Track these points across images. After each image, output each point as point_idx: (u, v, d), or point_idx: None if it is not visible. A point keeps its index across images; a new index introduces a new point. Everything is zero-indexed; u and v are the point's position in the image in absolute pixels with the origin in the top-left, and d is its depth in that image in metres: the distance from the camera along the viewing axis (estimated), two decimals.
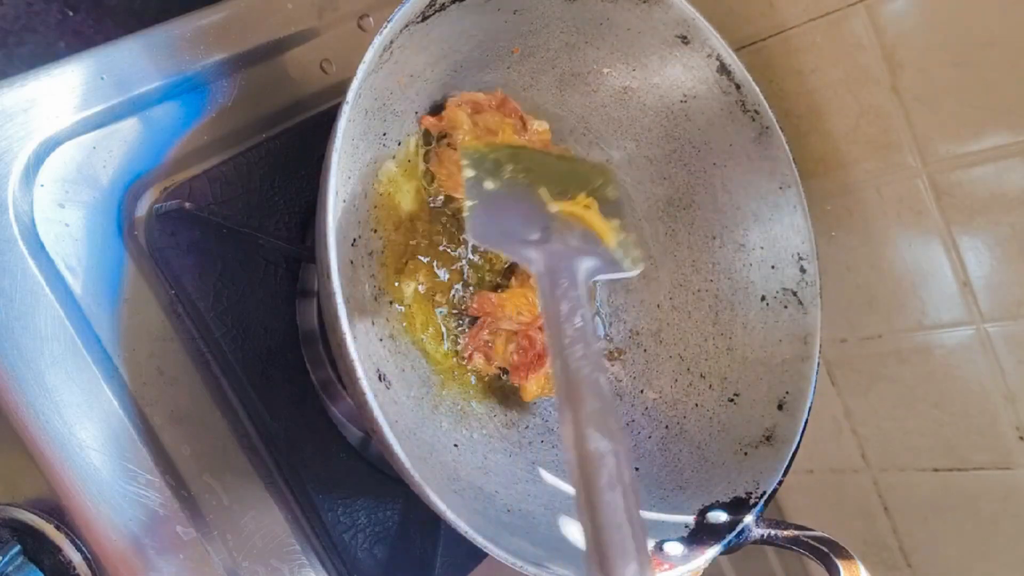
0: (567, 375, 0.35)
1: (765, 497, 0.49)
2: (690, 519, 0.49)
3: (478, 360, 0.51)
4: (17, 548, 0.41)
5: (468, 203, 0.42)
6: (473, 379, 0.53)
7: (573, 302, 0.38)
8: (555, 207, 0.44)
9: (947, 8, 0.53)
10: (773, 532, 0.48)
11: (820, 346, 0.54)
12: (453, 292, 0.52)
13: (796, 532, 0.47)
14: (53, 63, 0.44)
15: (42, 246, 0.42)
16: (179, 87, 0.47)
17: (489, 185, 0.44)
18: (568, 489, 0.51)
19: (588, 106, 0.57)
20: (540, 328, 0.52)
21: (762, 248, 0.57)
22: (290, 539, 0.47)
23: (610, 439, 0.33)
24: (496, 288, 0.54)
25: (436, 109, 0.51)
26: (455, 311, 0.52)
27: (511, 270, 0.54)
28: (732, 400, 0.55)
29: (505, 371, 0.53)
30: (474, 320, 0.52)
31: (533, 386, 0.53)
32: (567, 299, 0.39)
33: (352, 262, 0.46)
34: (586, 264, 0.42)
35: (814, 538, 0.47)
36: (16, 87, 0.42)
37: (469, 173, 0.44)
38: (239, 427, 0.47)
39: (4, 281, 0.40)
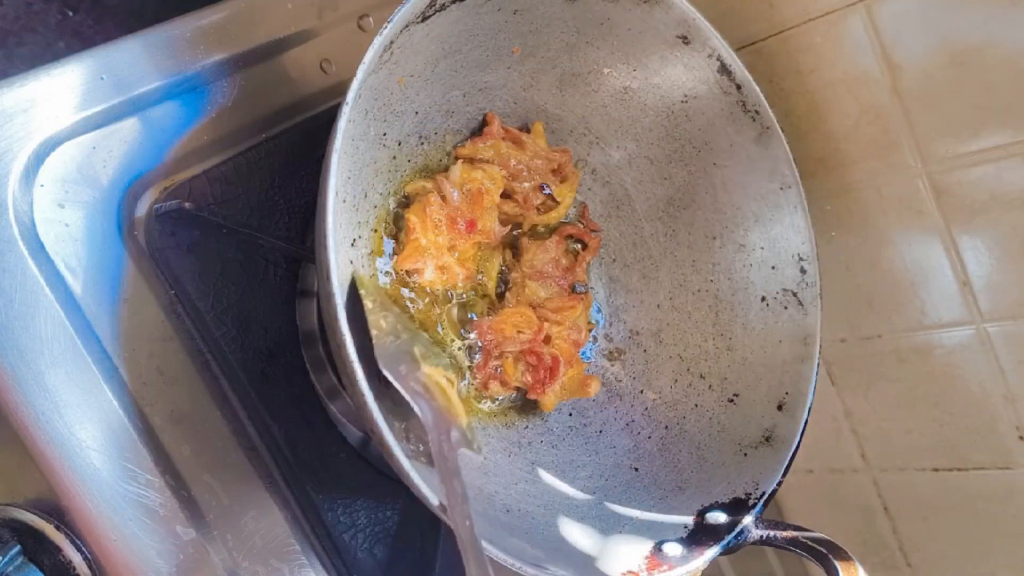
0: (461, 530, 0.37)
1: (764, 498, 0.49)
2: (689, 520, 0.49)
3: (495, 387, 0.52)
4: (17, 548, 0.41)
5: (372, 332, 0.43)
6: (487, 405, 0.53)
7: (454, 462, 0.40)
8: (426, 369, 0.46)
9: (947, 8, 0.53)
10: (772, 533, 0.48)
11: (820, 346, 0.54)
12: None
13: (795, 533, 0.47)
14: (53, 63, 0.44)
15: (42, 246, 0.42)
16: (179, 87, 0.47)
17: (383, 323, 0.45)
18: (566, 489, 0.51)
19: (588, 106, 0.57)
20: (546, 340, 0.53)
21: (762, 248, 0.57)
22: (290, 539, 0.47)
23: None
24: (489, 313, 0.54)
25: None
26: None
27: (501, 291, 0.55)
28: (732, 400, 0.55)
29: (521, 390, 0.54)
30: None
31: (551, 397, 0.53)
32: (451, 457, 0.40)
33: (352, 262, 0.46)
34: (454, 433, 0.43)
35: (813, 539, 0.47)
36: (16, 87, 0.42)
37: (368, 304, 0.44)
38: (239, 427, 0.47)
39: (4, 281, 0.40)
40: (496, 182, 0.51)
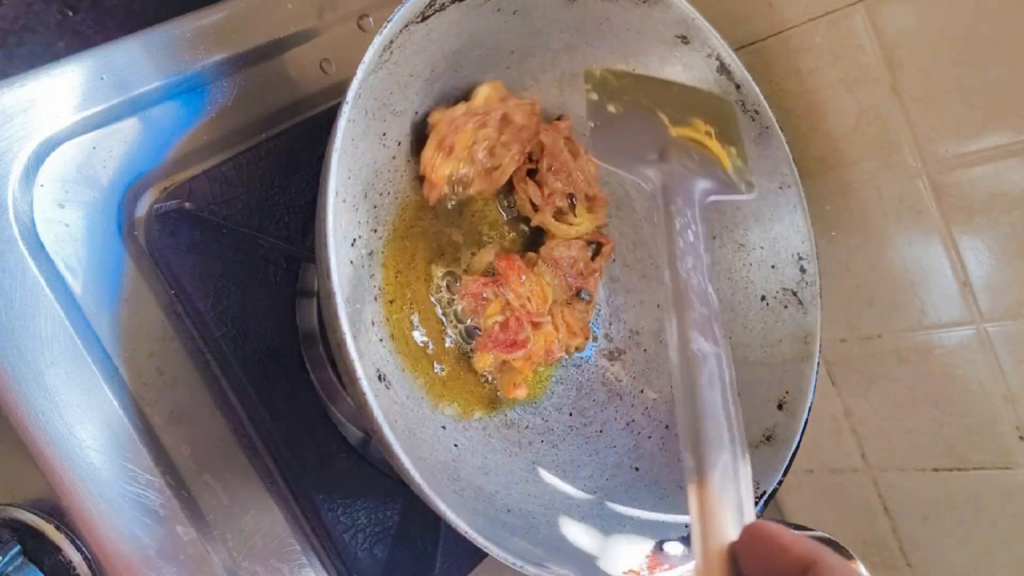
0: (677, 282, 0.37)
1: (765, 497, 0.49)
2: (688, 519, 0.49)
3: (460, 305, 0.51)
4: (17, 548, 0.41)
5: (590, 124, 0.45)
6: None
7: (686, 218, 0.41)
8: (675, 132, 0.46)
9: (947, 8, 0.53)
10: None
11: (820, 346, 0.54)
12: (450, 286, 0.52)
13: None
14: (53, 63, 0.44)
15: (42, 246, 0.42)
16: (179, 87, 0.47)
17: (611, 108, 0.46)
18: (566, 489, 0.51)
19: None
20: (535, 325, 0.52)
21: (762, 248, 0.57)
22: (290, 539, 0.47)
23: (713, 343, 0.35)
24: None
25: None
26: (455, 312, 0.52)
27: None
28: None
29: (470, 334, 0.53)
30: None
31: (486, 361, 0.52)
32: (681, 215, 0.41)
33: (352, 262, 0.46)
34: (702, 184, 0.44)
35: (814, 538, 0.47)
36: (16, 87, 0.42)
37: (593, 96, 0.46)
38: (239, 427, 0.47)
39: (4, 281, 0.40)
40: (528, 117, 0.51)
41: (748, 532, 0.28)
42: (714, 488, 0.30)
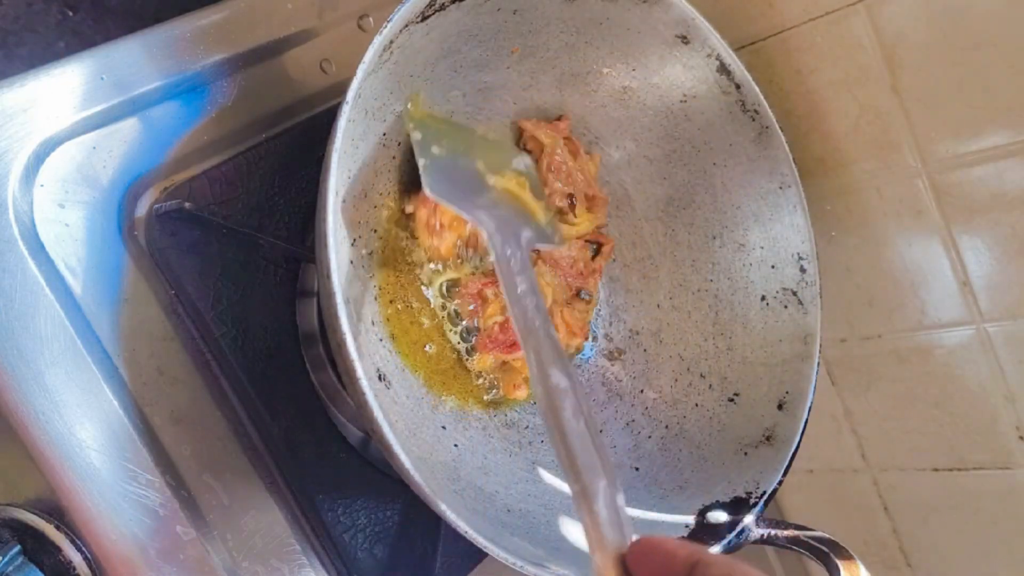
0: (525, 321, 0.40)
1: (765, 497, 0.49)
2: (690, 519, 0.49)
3: (458, 305, 0.51)
4: (17, 548, 0.41)
5: (421, 161, 0.46)
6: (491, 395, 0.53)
7: (520, 262, 0.43)
8: (492, 180, 0.49)
9: (947, 8, 0.53)
10: (773, 532, 0.48)
11: (820, 346, 0.54)
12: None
13: (796, 532, 0.47)
14: (53, 63, 0.44)
15: (42, 246, 0.42)
16: (179, 87, 0.47)
17: (435, 150, 0.47)
18: (567, 489, 0.51)
19: (588, 106, 0.57)
20: None
21: (762, 248, 0.57)
22: (290, 539, 0.47)
23: (568, 377, 0.37)
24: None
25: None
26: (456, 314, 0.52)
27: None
28: (732, 400, 0.55)
29: (469, 333, 0.53)
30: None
31: (486, 361, 0.52)
32: (515, 259, 0.43)
33: (352, 262, 0.46)
34: (526, 233, 0.46)
35: (814, 538, 0.47)
36: (16, 87, 0.42)
37: (416, 135, 0.47)
38: (239, 427, 0.47)
39: (4, 281, 0.40)
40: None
41: (637, 545, 0.31)
42: (600, 510, 0.33)
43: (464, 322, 0.52)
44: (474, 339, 0.52)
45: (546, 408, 0.37)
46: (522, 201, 0.48)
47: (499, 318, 0.52)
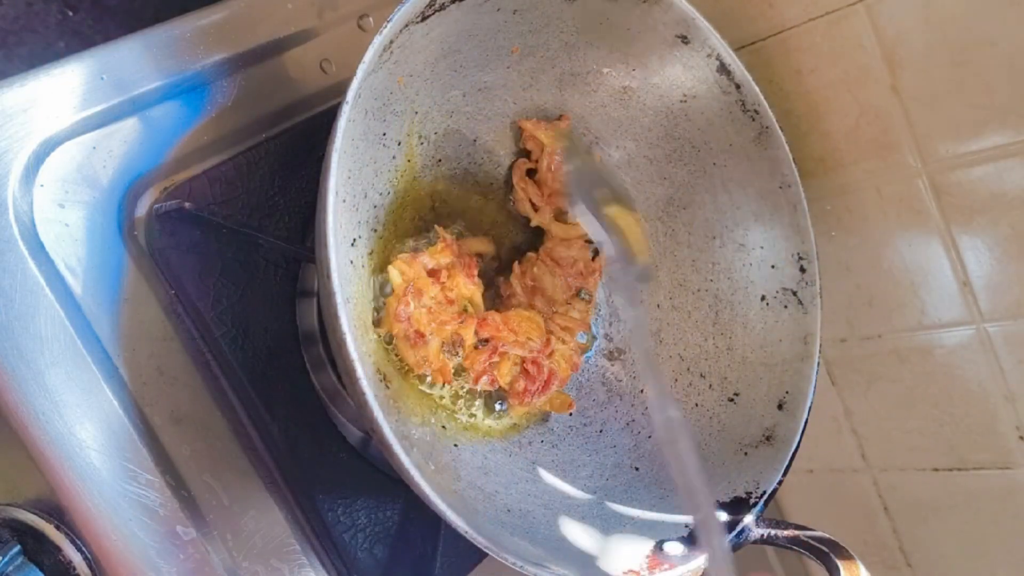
0: (649, 355, 0.44)
1: (765, 497, 0.49)
2: (690, 519, 0.49)
3: (485, 383, 0.50)
4: (17, 548, 0.41)
5: (566, 167, 0.48)
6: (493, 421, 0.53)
7: (636, 296, 0.46)
8: (608, 208, 0.48)
9: (947, 8, 0.53)
10: (773, 532, 0.48)
11: (820, 346, 0.54)
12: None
13: (796, 532, 0.47)
14: (53, 63, 0.44)
15: (42, 246, 0.42)
16: (179, 87, 0.47)
17: (576, 163, 0.49)
18: (566, 489, 0.51)
19: (588, 106, 0.57)
20: (550, 355, 0.52)
21: (762, 248, 0.57)
22: (290, 539, 0.47)
23: (680, 412, 0.41)
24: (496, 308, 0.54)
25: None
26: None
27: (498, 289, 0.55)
28: (732, 400, 0.55)
29: (491, 398, 0.53)
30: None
31: (526, 408, 0.52)
32: (635, 291, 0.46)
33: (352, 262, 0.46)
34: (636, 270, 0.47)
35: (814, 538, 0.47)
36: (16, 87, 0.42)
37: (565, 143, 0.49)
38: (239, 427, 0.47)
39: (4, 281, 0.40)
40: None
41: None
42: (724, 543, 0.37)
43: (479, 400, 0.52)
44: (505, 406, 0.52)
45: (664, 438, 0.39)
46: (633, 237, 0.48)
47: (515, 369, 0.52)
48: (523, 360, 0.52)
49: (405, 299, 0.46)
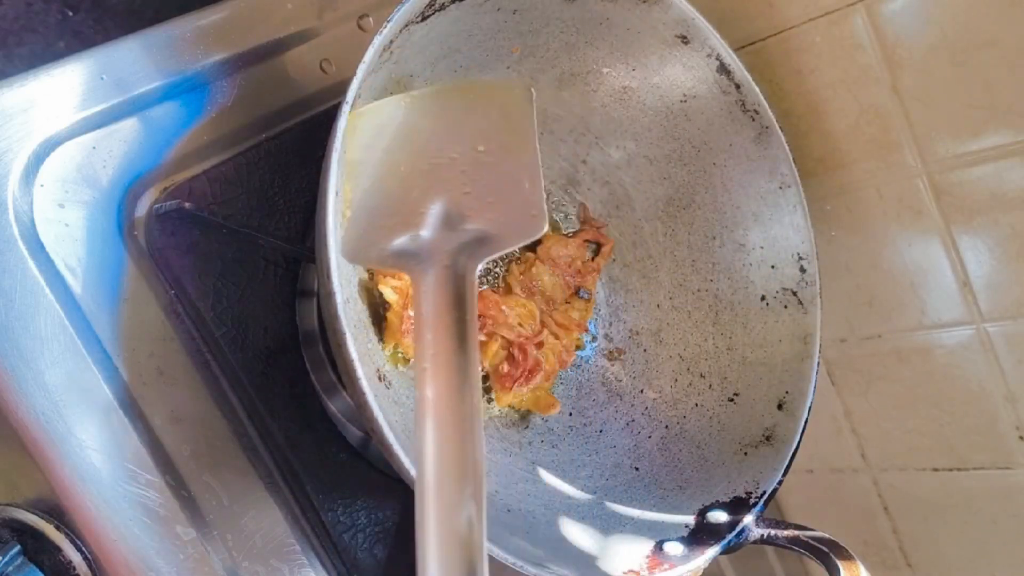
0: None
1: (765, 497, 0.49)
2: (690, 519, 0.49)
3: None
4: (17, 548, 0.41)
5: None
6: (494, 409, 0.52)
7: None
8: None
9: (947, 8, 0.53)
10: (773, 532, 0.48)
11: (820, 346, 0.54)
12: None
13: (796, 532, 0.47)
14: (53, 63, 0.44)
15: (42, 246, 0.42)
16: (179, 87, 0.47)
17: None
18: (566, 488, 0.51)
19: (588, 106, 0.57)
20: (538, 345, 0.52)
21: (762, 248, 0.57)
22: (290, 539, 0.47)
23: None
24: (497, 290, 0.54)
25: None
26: None
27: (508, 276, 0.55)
28: (732, 400, 0.55)
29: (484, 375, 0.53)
30: None
31: (511, 397, 0.52)
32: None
33: None
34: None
35: (814, 538, 0.47)
36: (16, 87, 0.42)
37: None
38: (239, 427, 0.47)
39: (4, 281, 0.40)
40: None
41: None
42: None
43: None
44: (491, 382, 0.52)
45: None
46: None
47: (502, 353, 0.51)
48: (510, 344, 0.52)
49: (405, 314, 0.46)
